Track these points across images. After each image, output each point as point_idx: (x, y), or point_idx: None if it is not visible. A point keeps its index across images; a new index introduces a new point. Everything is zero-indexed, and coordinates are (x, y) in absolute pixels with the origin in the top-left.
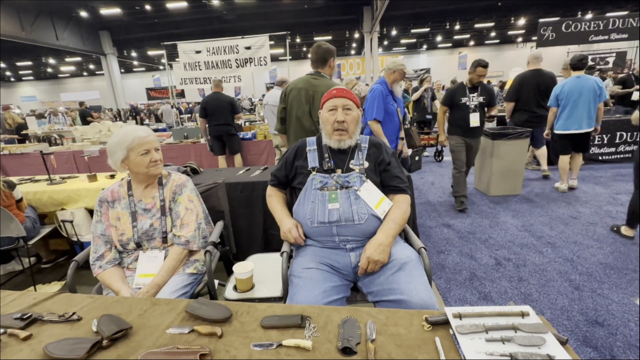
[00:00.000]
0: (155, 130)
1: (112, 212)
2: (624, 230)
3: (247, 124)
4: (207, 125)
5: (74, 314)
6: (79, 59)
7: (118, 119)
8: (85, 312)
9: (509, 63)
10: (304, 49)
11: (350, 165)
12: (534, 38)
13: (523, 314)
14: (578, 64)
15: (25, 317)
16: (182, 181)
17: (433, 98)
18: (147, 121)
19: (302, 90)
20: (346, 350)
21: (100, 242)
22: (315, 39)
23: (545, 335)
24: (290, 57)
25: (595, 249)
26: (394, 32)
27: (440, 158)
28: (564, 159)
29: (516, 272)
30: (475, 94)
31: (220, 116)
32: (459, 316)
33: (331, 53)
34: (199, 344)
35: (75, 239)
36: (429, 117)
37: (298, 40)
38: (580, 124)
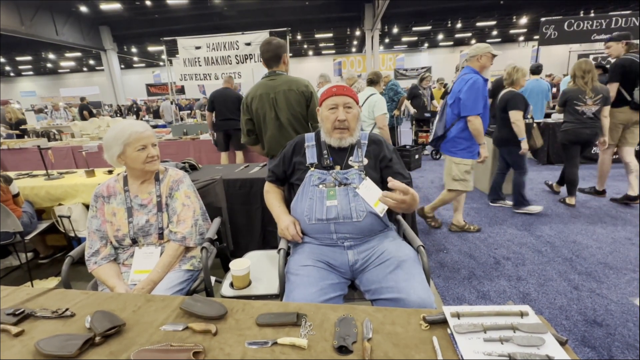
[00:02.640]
0: (155, 127)
1: (108, 207)
2: (568, 200)
3: None
4: (213, 120)
5: (67, 310)
6: (78, 54)
7: (118, 115)
8: (78, 308)
9: (510, 62)
10: (305, 46)
11: (349, 162)
12: (536, 37)
13: (522, 314)
14: (536, 70)
15: (17, 312)
16: (179, 177)
17: (432, 97)
18: (146, 117)
19: (263, 95)
20: (342, 349)
21: (95, 238)
22: (317, 36)
23: (544, 336)
24: (291, 54)
25: (595, 248)
26: (395, 30)
27: (438, 156)
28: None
29: (515, 271)
30: None
31: (228, 111)
32: (457, 315)
33: (283, 48)
34: (193, 342)
35: (72, 234)
36: (427, 115)
37: (299, 37)
38: (535, 116)
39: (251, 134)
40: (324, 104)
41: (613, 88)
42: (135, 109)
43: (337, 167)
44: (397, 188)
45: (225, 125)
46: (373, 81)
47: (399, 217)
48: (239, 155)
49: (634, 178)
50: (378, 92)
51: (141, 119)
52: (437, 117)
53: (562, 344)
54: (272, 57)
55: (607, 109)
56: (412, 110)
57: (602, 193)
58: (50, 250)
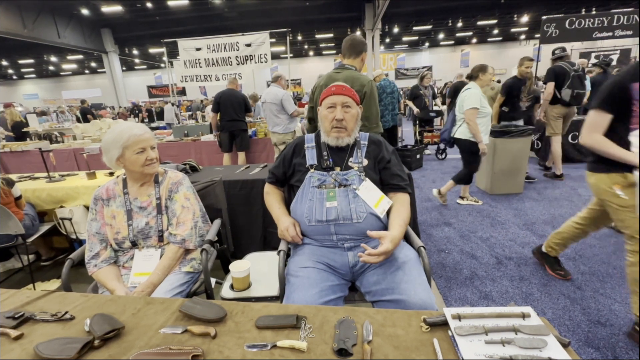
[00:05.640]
0: (156, 128)
1: (107, 210)
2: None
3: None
4: (218, 120)
5: (66, 313)
6: (80, 56)
7: (119, 117)
8: (78, 311)
9: (512, 61)
10: (305, 46)
11: (349, 163)
12: (537, 35)
13: (524, 315)
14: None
15: (17, 316)
16: (179, 179)
17: (434, 96)
18: (146, 120)
19: (324, 87)
20: (342, 352)
21: (95, 241)
22: (317, 36)
23: (546, 338)
24: (291, 55)
25: (598, 247)
26: (395, 30)
27: (443, 156)
28: None
29: (517, 271)
30: None
31: (234, 112)
32: (458, 317)
33: (365, 47)
34: (192, 345)
35: (74, 236)
36: (432, 114)
37: (299, 37)
38: None
39: (312, 122)
40: (323, 103)
41: (550, 87)
42: (136, 112)
43: (337, 169)
44: (370, 258)
45: (231, 126)
46: (472, 76)
47: None
48: (241, 156)
49: (558, 161)
50: (479, 86)
51: (141, 121)
52: None
53: (565, 345)
54: (350, 47)
55: (536, 106)
56: (416, 110)
57: (560, 177)
58: (53, 252)
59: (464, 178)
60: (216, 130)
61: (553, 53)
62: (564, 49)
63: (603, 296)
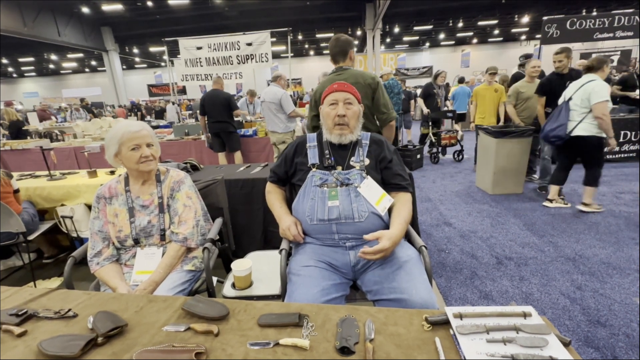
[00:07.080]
0: (156, 127)
1: (110, 208)
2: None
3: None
4: (206, 122)
5: (69, 310)
6: (80, 55)
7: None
8: (81, 308)
9: (512, 61)
10: (306, 45)
11: (351, 162)
12: (538, 36)
13: (525, 315)
14: (462, 79)
15: (20, 313)
16: (181, 177)
17: (446, 97)
18: (147, 118)
19: None
20: (344, 350)
21: (97, 239)
22: (317, 35)
23: (547, 337)
24: (292, 54)
25: (598, 248)
26: (396, 30)
27: (460, 157)
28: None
29: (517, 271)
30: None
31: (218, 113)
32: (460, 316)
33: (351, 44)
34: (195, 342)
35: (75, 234)
36: (450, 114)
37: (300, 37)
38: (459, 107)
39: (317, 129)
40: (325, 100)
41: (510, 90)
42: (136, 110)
43: (339, 168)
44: (368, 255)
45: (216, 128)
46: (593, 67)
47: None
48: (237, 155)
49: None
50: (601, 78)
51: (141, 119)
52: None
53: (566, 344)
54: (339, 52)
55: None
56: (426, 110)
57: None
58: (55, 250)
59: (597, 178)
60: (206, 132)
61: (519, 59)
62: (526, 57)
63: (603, 296)
